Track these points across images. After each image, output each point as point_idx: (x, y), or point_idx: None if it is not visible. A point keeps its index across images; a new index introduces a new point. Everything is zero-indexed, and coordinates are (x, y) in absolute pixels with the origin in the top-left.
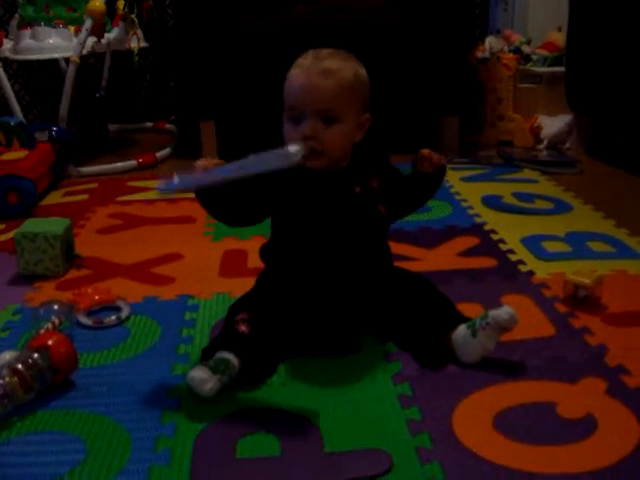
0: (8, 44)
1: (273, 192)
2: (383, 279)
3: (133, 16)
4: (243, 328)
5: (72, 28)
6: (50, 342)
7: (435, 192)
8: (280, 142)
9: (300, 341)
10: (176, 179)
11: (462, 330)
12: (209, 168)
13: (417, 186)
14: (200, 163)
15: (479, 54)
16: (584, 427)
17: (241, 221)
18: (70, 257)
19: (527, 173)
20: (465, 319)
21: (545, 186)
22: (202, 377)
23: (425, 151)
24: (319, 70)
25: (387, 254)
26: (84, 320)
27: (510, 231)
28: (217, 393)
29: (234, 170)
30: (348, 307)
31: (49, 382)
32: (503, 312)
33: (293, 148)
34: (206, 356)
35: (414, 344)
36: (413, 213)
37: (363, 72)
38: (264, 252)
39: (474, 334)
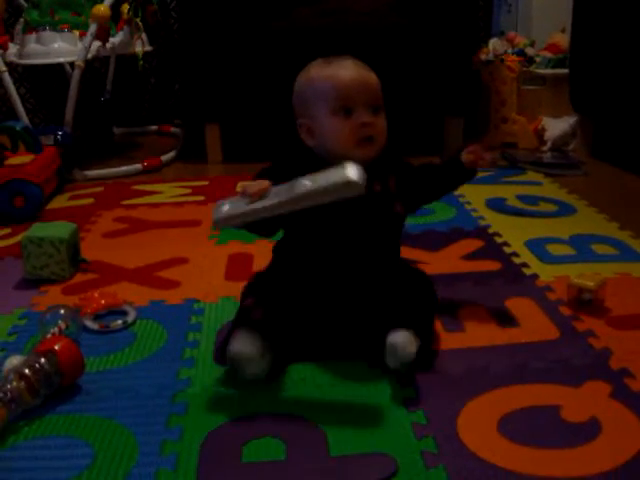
0: (13, 48)
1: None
2: (390, 279)
3: (138, 20)
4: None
5: (77, 32)
6: (57, 347)
7: (457, 187)
8: (288, 139)
9: (306, 344)
10: (227, 205)
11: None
12: (261, 194)
13: (448, 173)
14: (252, 189)
15: (483, 56)
16: (588, 430)
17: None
18: (76, 261)
19: (531, 175)
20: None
21: (549, 188)
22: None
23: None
24: (362, 66)
25: (397, 253)
26: (90, 324)
27: (514, 234)
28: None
29: (289, 202)
30: (356, 307)
31: (56, 386)
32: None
33: (352, 172)
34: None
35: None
36: (428, 203)
37: None
38: (277, 250)
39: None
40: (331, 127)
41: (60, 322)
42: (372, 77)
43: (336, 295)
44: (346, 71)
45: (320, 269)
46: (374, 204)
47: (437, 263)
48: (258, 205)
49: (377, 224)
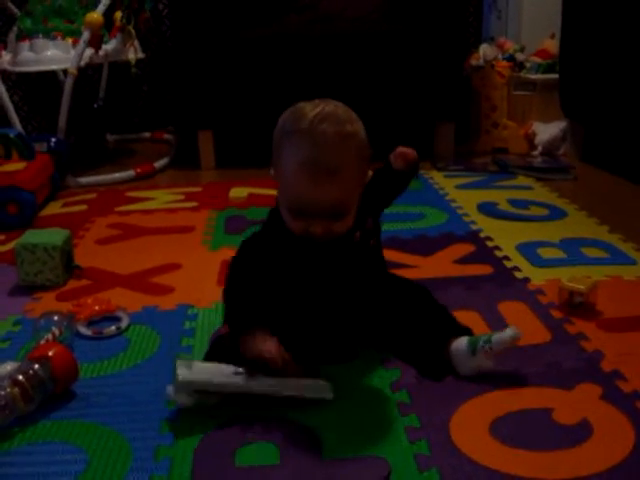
0: (7, 56)
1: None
2: (379, 290)
3: (130, 27)
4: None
5: (70, 40)
6: (50, 353)
7: (408, 184)
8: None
9: (298, 350)
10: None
11: (462, 346)
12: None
13: (393, 183)
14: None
15: (473, 62)
16: (580, 432)
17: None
18: (70, 268)
19: (522, 180)
20: (462, 328)
21: (540, 192)
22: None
23: (402, 149)
24: (326, 169)
25: (382, 265)
26: (84, 330)
27: (505, 238)
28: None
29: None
30: (345, 320)
31: (50, 393)
32: (506, 337)
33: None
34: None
35: (413, 355)
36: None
37: (362, 133)
38: None
39: (474, 353)
40: (286, 219)
41: (54, 328)
42: (335, 190)
43: (325, 312)
44: (305, 180)
45: (306, 303)
46: (354, 251)
47: (429, 267)
48: (249, 382)
49: (358, 266)
